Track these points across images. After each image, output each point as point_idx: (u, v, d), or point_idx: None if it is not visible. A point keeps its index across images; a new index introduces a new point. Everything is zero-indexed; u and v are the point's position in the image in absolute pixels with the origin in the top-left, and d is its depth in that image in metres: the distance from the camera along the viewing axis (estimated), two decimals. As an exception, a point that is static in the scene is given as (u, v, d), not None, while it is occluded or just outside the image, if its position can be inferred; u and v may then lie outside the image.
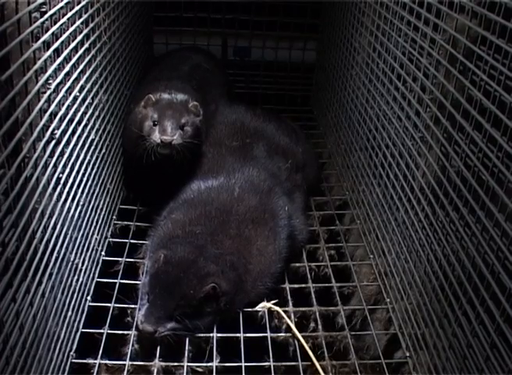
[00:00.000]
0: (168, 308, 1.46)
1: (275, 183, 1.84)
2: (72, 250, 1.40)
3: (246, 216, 1.68)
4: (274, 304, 1.62)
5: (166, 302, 1.46)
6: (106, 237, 1.81)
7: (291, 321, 1.57)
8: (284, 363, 1.46)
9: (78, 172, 1.44)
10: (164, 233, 1.67)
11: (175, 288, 1.47)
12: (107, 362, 1.43)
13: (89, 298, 1.56)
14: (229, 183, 1.77)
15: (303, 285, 1.72)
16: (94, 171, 1.62)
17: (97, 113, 1.65)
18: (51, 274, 1.21)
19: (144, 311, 1.48)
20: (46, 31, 1.17)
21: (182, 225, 1.65)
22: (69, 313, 1.37)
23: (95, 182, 1.64)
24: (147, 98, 1.84)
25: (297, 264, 1.81)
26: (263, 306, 1.62)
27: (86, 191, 1.52)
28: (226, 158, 1.88)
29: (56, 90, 1.24)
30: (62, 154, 1.29)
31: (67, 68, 1.32)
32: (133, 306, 1.58)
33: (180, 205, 1.75)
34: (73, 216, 1.40)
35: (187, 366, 1.44)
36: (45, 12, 1.15)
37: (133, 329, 1.51)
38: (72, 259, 1.39)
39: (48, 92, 1.18)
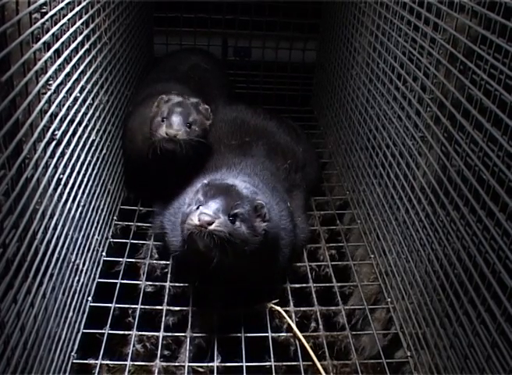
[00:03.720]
0: (226, 203, 1.46)
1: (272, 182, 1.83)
2: (73, 251, 1.40)
3: None
4: (275, 304, 1.62)
5: (225, 199, 1.47)
6: (107, 238, 1.81)
7: (292, 321, 1.57)
8: (285, 363, 1.46)
9: (79, 173, 1.44)
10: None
11: (231, 191, 1.51)
12: (108, 362, 1.43)
13: (90, 298, 1.56)
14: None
15: (304, 285, 1.72)
16: (94, 172, 1.62)
17: (97, 114, 1.65)
18: (51, 275, 1.21)
19: (198, 210, 1.44)
20: (46, 32, 1.17)
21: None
22: (70, 314, 1.37)
23: (96, 183, 1.64)
24: (160, 98, 1.87)
25: (298, 264, 1.81)
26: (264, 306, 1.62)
27: (86, 191, 1.52)
28: (224, 156, 1.88)
29: (57, 91, 1.24)
30: (62, 155, 1.30)
31: (67, 69, 1.32)
32: (133, 306, 1.58)
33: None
34: (74, 216, 1.40)
35: (188, 366, 1.44)
36: (46, 13, 1.15)
37: (135, 329, 1.51)
38: (73, 260, 1.39)
39: (49, 93, 1.18)
